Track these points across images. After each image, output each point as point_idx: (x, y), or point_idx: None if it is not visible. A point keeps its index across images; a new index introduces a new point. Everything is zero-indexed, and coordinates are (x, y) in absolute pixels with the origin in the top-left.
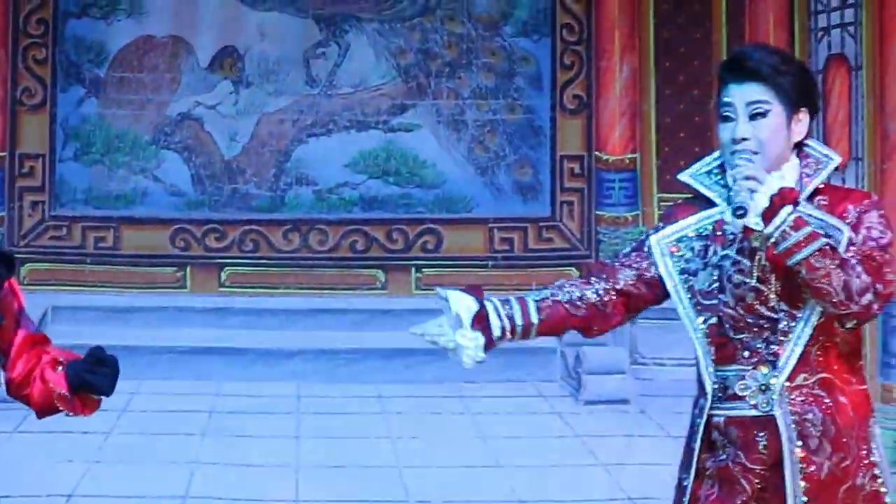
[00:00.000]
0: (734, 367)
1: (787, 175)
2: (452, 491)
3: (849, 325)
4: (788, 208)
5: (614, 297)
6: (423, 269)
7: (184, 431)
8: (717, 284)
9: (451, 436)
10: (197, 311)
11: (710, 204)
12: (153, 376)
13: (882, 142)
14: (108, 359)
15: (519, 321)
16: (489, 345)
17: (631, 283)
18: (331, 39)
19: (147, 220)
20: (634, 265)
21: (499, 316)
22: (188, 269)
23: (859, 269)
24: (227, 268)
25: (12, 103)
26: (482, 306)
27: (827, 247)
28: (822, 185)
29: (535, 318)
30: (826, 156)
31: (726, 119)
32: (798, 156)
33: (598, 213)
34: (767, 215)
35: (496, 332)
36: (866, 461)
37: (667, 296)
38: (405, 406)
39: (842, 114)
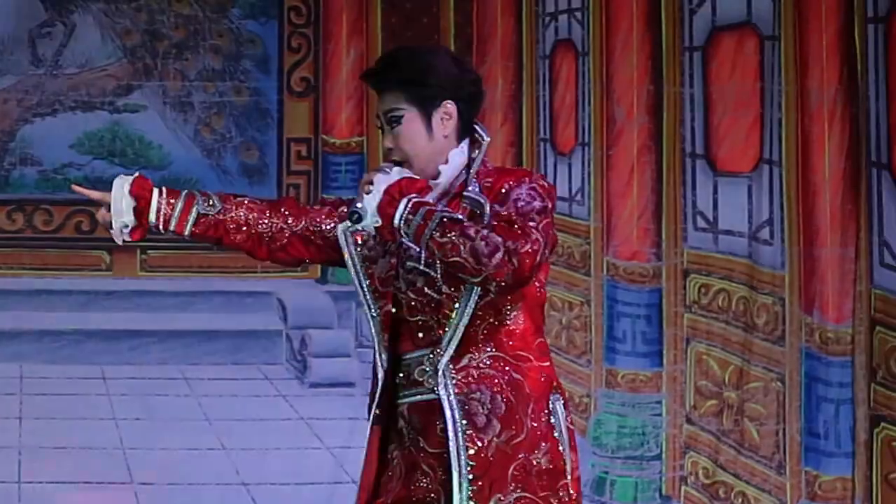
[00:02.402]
0: (414, 353)
1: (452, 162)
2: (176, 473)
3: (493, 289)
4: (405, 198)
5: (288, 237)
6: (149, 251)
7: None
8: (393, 272)
9: (176, 418)
10: None
11: None
12: None
13: (608, 127)
14: None
15: (173, 225)
16: (143, 227)
17: (312, 232)
18: (56, 19)
19: None
20: (322, 218)
21: (158, 207)
22: None
23: (485, 232)
24: None
25: None
26: (148, 192)
27: (445, 219)
28: (490, 168)
29: (186, 231)
30: (482, 136)
31: (380, 128)
32: (470, 145)
33: (324, 195)
34: (388, 210)
35: (152, 220)
36: (544, 437)
37: (341, 260)
38: (129, 387)
39: (569, 99)
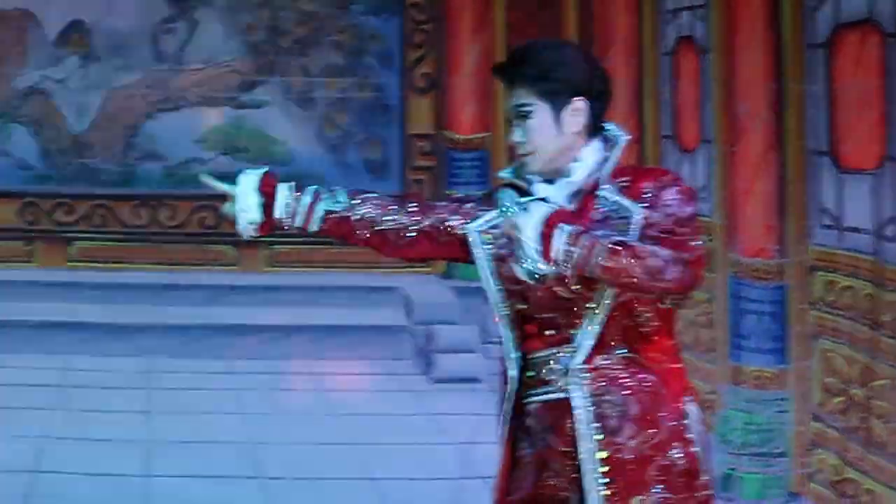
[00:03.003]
0: (542, 352)
1: (586, 160)
2: (303, 467)
3: (670, 302)
4: (560, 231)
5: (414, 234)
6: (274, 246)
7: (32, 406)
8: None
9: (303, 412)
10: (45, 286)
11: (523, 192)
12: (0, 350)
13: (731, 124)
14: None
15: (299, 222)
16: (269, 222)
17: (438, 230)
18: (179, 15)
19: None
20: (448, 217)
21: (285, 203)
22: (36, 242)
23: (652, 248)
24: (75, 242)
25: None
26: (274, 188)
27: (611, 245)
28: (625, 167)
29: (313, 228)
30: (617, 134)
31: (508, 122)
32: (603, 143)
33: (448, 191)
34: (550, 250)
35: (278, 215)
36: (679, 439)
37: (471, 259)
38: (256, 382)
39: (692, 96)
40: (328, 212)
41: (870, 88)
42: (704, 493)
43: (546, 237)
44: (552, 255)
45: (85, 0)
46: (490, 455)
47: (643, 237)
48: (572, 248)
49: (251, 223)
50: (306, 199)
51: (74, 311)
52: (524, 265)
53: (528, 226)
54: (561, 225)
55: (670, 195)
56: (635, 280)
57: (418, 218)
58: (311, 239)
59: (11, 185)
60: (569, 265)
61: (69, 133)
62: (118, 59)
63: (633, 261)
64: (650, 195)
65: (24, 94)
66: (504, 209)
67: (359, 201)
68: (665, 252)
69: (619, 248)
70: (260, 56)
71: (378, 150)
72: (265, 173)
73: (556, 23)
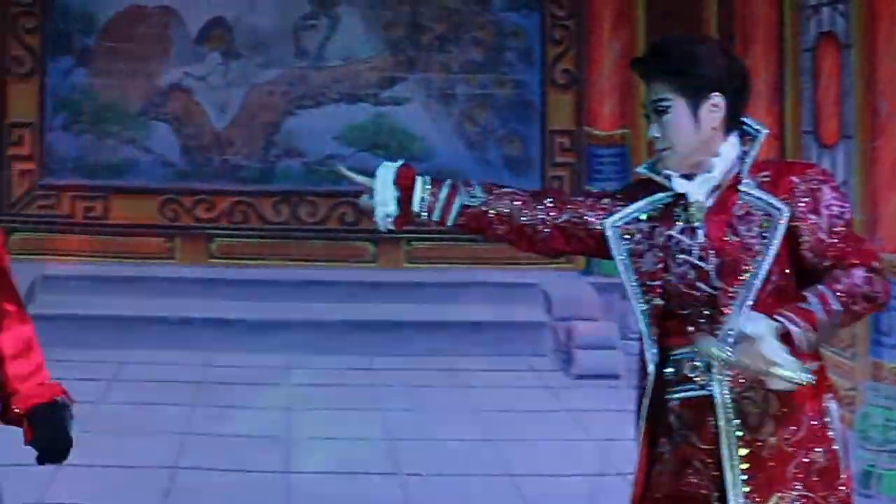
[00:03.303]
0: (684, 348)
1: (726, 155)
2: (443, 464)
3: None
4: (797, 334)
5: (550, 229)
6: (413, 243)
7: (172, 402)
8: (661, 265)
9: (442, 408)
10: (186, 282)
11: (660, 187)
12: (142, 346)
13: (872, 120)
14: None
15: (436, 216)
16: (406, 215)
17: (574, 224)
18: (320, 12)
19: (136, 190)
20: (585, 212)
21: (422, 197)
22: (177, 239)
23: (854, 273)
24: (216, 238)
25: (1, 72)
26: (411, 181)
27: (838, 303)
28: (765, 161)
29: (449, 222)
30: (756, 129)
31: (647, 116)
32: (739, 138)
33: (587, 187)
34: (798, 349)
35: (416, 209)
36: (820, 436)
37: (608, 255)
38: (396, 378)
39: (832, 91)
40: (465, 206)
41: None
42: (844, 490)
43: (788, 343)
44: (803, 351)
45: None
46: (629, 452)
47: (814, 243)
48: (814, 335)
49: (388, 216)
50: (444, 192)
51: (215, 307)
52: (793, 377)
53: (772, 352)
54: (792, 330)
55: (829, 195)
56: (861, 312)
57: (555, 213)
58: (450, 235)
59: (152, 182)
60: (821, 344)
61: (210, 130)
62: (259, 56)
63: (851, 299)
64: (801, 192)
65: (165, 92)
66: (723, 355)
67: (495, 196)
68: (860, 272)
69: (837, 300)
70: (400, 53)
71: (518, 147)
72: (402, 166)
73: (697, 19)
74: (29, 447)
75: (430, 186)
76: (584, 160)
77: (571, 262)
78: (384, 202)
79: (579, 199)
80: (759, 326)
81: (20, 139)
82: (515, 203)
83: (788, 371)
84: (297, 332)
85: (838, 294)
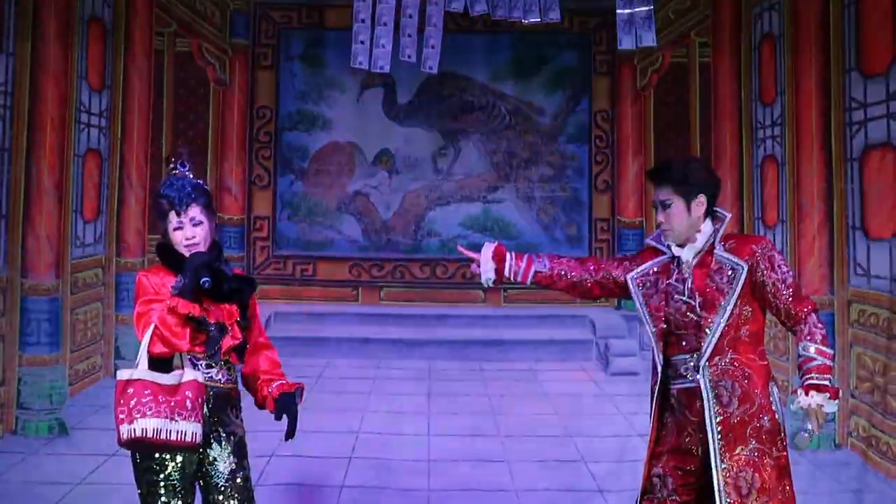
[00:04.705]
0: (680, 356)
1: (705, 231)
2: (526, 428)
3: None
4: (829, 382)
5: (592, 282)
6: (509, 290)
7: (356, 391)
8: (663, 302)
9: (526, 394)
10: (366, 315)
11: (662, 253)
12: (337, 356)
13: (798, 211)
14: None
15: (519, 278)
16: (500, 276)
17: (606, 279)
18: (450, 144)
19: (334, 258)
20: (614, 270)
21: (510, 266)
22: (360, 289)
23: (810, 319)
24: (384, 288)
25: (249, 184)
26: (503, 255)
27: (829, 356)
28: (730, 234)
29: (529, 281)
30: (724, 214)
31: (655, 208)
32: (712, 220)
33: (617, 255)
34: (830, 391)
35: (506, 273)
36: (767, 409)
37: (630, 296)
38: (497, 376)
39: (773, 192)
40: (537, 271)
41: None
42: (782, 443)
43: (814, 405)
44: (833, 387)
45: (391, 136)
46: (645, 421)
47: (776, 291)
48: (831, 400)
49: (489, 279)
50: (524, 263)
51: (384, 331)
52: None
53: (827, 406)
54: (825, 385)
55: (779, 259)
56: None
57: (594, 272)
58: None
59: (345, 253)
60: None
61: (380, 220)
62: (411, 173)
63: (825, 340)
64: (760, 255)
65: (352, 196)
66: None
67: (556, 263)
68: (813, 318)
69: (823, 349)
70: (500, 170)
71: (574, 229)
72: (497, 245)
73: (687, 145)
74: (271, 416)
75: (515, 259)
76: (616, 237)
77: (607, 301)
78: (486, 270)
79: (610, 261)
80: (814, 399)
81: (261, 227)
82: (569, 267)
83: (830, 406)
84: (434, 348)
85: (822, 340)
